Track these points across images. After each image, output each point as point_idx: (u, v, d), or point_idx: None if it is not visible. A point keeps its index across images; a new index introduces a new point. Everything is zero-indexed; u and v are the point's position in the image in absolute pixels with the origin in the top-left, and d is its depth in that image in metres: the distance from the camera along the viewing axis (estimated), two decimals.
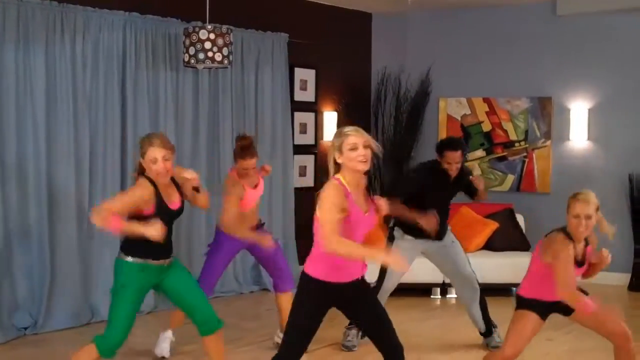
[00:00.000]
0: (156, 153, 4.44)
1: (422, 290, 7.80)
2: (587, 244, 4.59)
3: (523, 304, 4.67)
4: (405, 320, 6.89)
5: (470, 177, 6.10)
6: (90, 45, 6.66)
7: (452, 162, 5.75)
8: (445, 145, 5.82)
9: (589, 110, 8.56)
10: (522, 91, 8.92)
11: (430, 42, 9.43)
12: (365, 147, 3.92)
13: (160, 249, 4.54)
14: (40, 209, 6.38)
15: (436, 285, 7.78)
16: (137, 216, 4.42)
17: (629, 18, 8.31)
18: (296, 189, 8.47)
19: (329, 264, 3.95)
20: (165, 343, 5.72)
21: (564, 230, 4.50)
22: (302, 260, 8.36)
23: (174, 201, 4.59)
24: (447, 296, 7.85)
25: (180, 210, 4.66)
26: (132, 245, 4.50)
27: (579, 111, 8.60)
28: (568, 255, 4.40)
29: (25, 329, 6.33)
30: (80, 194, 6.63)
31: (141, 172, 4.54)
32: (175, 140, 7.35)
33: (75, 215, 6.59)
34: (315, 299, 4.02)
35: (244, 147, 5.54)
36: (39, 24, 6.30)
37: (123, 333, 4.51)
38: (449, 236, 6.05)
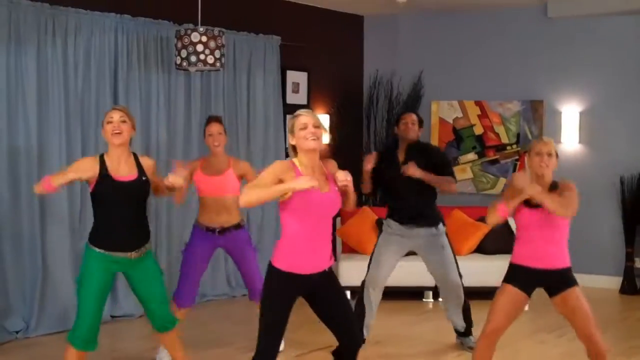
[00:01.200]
0: (113, 114, 4.62)
1: (413, 294, 7.80)
2: (554, 188, 4.57)
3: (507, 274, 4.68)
4: (397, 324, 6.90)
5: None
6: (81, 47, 6.64)
7: (408, 121, 5.93)
8: (402, 112, 6.24)
9: (581, 113, 8.58)
10: (514, 94, 8.93)
11: (422, 45, 9.43)
12: (316, 126, 3.95)
13: (125, 240, 4.55)
14: (32, 211, 6.35)
15: (428, 288, 7.77)
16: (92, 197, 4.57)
17: (621, 21, 8.33)
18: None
19: (293, 254, 3.95)
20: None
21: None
22: None
23: (124, 175, 4.56)
24: (439, 299, 7.84)
25: (133, 185, 4.57)
26: (98, 235, 4.56)
27: (570, 114, 8.62)
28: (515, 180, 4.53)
29: (17, 332, 6.30)
30: (72, 195, 6.61)
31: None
32: (167, 142, 7.36)
33: (67, 217, 6.56)
34: (282, 291, 4.01)
35: (210, 117, 5.79)
36: (30, 25, 6.27)
37: (90, 320, 4.50)
38: (441, 237, 6.01)
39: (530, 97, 8.83)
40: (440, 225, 6.00)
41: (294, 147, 4.01)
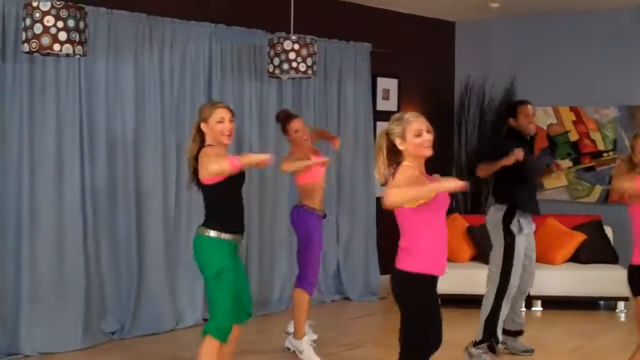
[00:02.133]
0: (224, 113, 4.60)
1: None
2: None
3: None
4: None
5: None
6: (177, 56, 6.80)
7: (530, 114, 5.87)
8: (516, 103, 6.04)
9: None
10: (611, 99, 8.70)
11: (514, 50, 9.29)
12: (428, 132, 3.89)
13: (241, 223, 4.65)
14: (129, 216, 6.53)
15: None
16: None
17: None
18: (378, 197, 8.45)
19: (435, 256, 3.85)
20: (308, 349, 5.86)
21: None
22: (383, 269, 8.36)
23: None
24: (533, 309, 7.70)
25: (244, 176, 4.70)
26: (227, 221, 4.59)
27: None
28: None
29: (113, 333, 6.48)
30: (167, 199, 6.77)
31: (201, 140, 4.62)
32: (259, 150, 7.44)
33: (162, 220, 6.71)
34: (434, 297, 3.90)
35: (284, 112, 6.05)
36: (128, 35, 6.46)
37: (231, 311, 4.56)
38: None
39: (628, 102, 8.58)
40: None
41: (392, 152, 3.92)
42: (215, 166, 4.35)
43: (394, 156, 3.93)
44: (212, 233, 4.54)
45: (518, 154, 5.55)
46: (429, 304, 3.89)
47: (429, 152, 3.88)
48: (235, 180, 4.57)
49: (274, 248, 7.53)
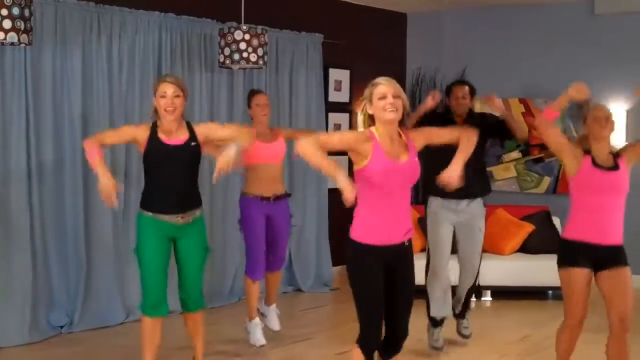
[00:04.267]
0: (167, 88, 4.61)
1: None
2: (615, 154, 4.57)
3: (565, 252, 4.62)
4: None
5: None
6: (126, 45, 6.70)
7: (459, 95, 5.76)
8: (453, 83, 5.93)
9: (627, 111, 8.43)
10: (559, 92, 8.71)
11: (465, 42, 9.36)
12: (395, 96, 3.88)
13: (173, 203, 4.65)
14: (76, 207, 6.43)
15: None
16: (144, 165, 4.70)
17: None
18: (330, 189, 8.45)
19: (369, 225, 3.90)
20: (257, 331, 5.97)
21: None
22: (335, 260, 8.38)
23: (174, 139, 4.63)
24: (482, 299, 7.79)
25: (181, 148, 4.65)
26: (148, 199, 4.71)
27: (617, 112, 8.47)
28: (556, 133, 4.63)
29: (62, 327, 6.39)
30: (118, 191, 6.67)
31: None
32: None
33: (111, 213, 6.62)
34: (364, 264, 3.94)
35: (254, 89, 6.06)
36: (75, 24, 6.35)
37: (155, 285, 4.66)
38: (481, 215, 5.84)
39: None
40: (482, 203, 5.86)
41: (370, 116, 3.95)
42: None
43: (372, 122, 3.97)
44: (139, 210, 4.71)
45: (433, 95, 5.66)
46: (361, 272, 3.94)
47: (391, 116, 3.86)
48: (155, 161, 4.63)
49: (225, 238, 7.48)
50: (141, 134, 4.66)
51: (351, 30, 8.82)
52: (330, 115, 8.62)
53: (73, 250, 6.45)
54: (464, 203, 5.71)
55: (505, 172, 9.06)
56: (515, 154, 9.05)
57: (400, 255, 4.02)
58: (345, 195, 3.65)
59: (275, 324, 6.19)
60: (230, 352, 5.91)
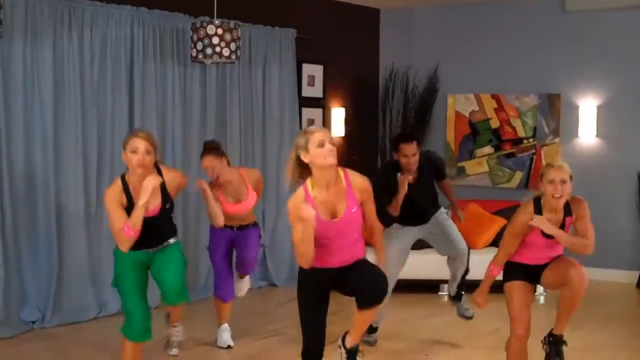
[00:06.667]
0: (138, 144, 4.47)
1: (429, 287, 7.78)
2: (568, 214, 4.57)
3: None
4: (412, 317, 6.90)
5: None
6: (98, 39, 6.66)
7: (409, 154, 5.65)
8: (398, 138, 5.79)
9: (598, 107, 8.52)
10: (531, 88, 8.88)
11: (438, 38, 9.40)
12: (331, 143, 3.99)
13: (150, 242, 4.63)
14: (48, 202, 6.39)
15: (444, 281, 7.74)
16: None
17: (638, 14, 8.27)
18: None
19: (318, 259, 4.04)
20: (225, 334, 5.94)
21: (536, 197, 4.60)
22: None
23: (149, 207, 4.54)
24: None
25: (157, 218, 4.61)
26: None
27: (587, 108, 8.56)
28: (517, 217, 4.61)
29: (33, 322, 6.34)
30: (88, 185, 6.65)
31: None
32: (182, 136, 7.38)
33: (83, 207, 6.59)
34: (310, 283, 4.14)
35: (205, 146, 5.73)
36: (46, 18, 6.30)
37: (139, 314, 4.62)
38: (441, 216, 6.01)
39: (547, 90, 8.78)
40: (442, 208, 6.08)
41: (300, 165, 4.03)
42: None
43: (304, 170, 4.05)
44: (115, 245, 4.64)
45: (403, 179, 5.62)
46: (303, 295, 4.21)
47: (332, 161, 3.98)
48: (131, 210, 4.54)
49: (197, 237, 7.46)
50: (122, 200, 4.54)
51: (324, 25, 8.83)
52: (304, 110, 8.63)
53: (45, 245, 6.40)
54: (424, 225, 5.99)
55: (477, 167, 9.12)
56: (488, 149, 9.11)
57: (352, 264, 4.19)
58: (309, 218, 3.90)
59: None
60: (203, 348, 5.89)
